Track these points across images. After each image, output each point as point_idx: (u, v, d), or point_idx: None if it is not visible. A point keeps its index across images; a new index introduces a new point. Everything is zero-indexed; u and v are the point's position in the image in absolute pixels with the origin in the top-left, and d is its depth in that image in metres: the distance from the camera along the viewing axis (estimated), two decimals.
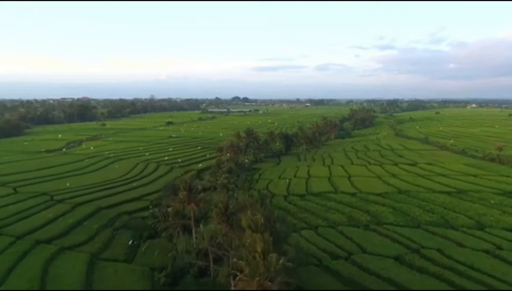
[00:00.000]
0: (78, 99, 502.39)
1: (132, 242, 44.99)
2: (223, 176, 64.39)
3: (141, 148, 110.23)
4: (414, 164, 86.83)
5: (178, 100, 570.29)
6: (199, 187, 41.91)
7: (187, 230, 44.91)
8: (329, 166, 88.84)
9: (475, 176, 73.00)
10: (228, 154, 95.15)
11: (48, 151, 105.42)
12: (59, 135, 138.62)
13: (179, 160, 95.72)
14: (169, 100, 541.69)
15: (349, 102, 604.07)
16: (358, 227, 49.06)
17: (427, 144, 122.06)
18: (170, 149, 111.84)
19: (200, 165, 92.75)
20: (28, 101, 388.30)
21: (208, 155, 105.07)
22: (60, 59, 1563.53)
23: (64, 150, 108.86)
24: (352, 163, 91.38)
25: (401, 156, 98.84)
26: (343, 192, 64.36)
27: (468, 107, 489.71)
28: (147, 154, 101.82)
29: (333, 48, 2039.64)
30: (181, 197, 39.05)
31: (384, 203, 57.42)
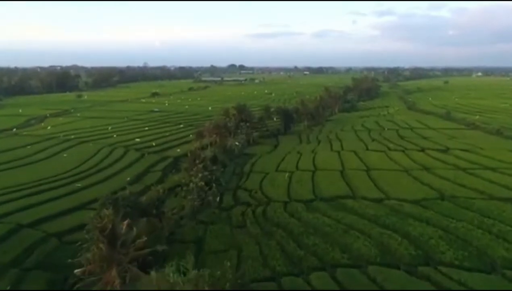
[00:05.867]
0: (67, 67, 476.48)
1: None
2: (200, 175, 46.47)
3: (109, 127, 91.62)
4: (445, 150, 69.20)
5: (172, 68, 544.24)
6: (134, 231, 24.18)
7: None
8: (338, 152, 71.14)
9: None
10: (215, 135, 77.31)
11: None
12: (20, 110, 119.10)
13: (153, 144, 77.63)
14: (162, 68, 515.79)
15: (349, 70, 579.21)
16: (399, 268, 31.88)
17: (450, 122, 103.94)
18: (146, 128, 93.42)
19: (178, 150, 74.90)
20: (9, 69, 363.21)
21: (191, 135, 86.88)
22: (50, 25, 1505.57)
23: (15, 130, 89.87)
24: (367, 148, 73.62)
25: (425, 138, 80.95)
26: (364, 198, 46.82)
27: (474, 75, 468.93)
28: (115, 135, 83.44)
29: (329, 14, 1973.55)
30: (96, 251, 21.56)
31: (428, 218, 39.95)
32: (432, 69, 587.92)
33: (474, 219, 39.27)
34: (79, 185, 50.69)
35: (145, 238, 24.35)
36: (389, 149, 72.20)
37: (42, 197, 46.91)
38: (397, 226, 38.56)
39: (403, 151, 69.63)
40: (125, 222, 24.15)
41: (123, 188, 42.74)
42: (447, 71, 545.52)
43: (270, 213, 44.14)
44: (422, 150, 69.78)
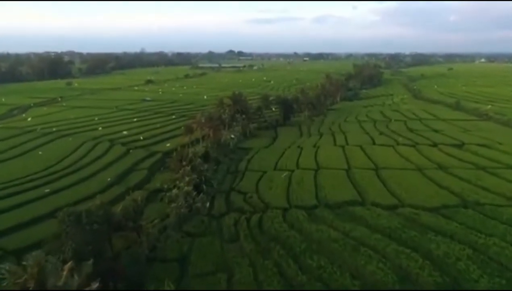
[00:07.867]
0: (62, 52, 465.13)
1: None
2: (187, 178, 40.52)
3: (96, 118, 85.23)
4: (460, 145, 63.27)
5: (170, 54, 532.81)
6: (75, 279, 18.16)
7: None
8: (343, 147, 65.13)
9: None
10: (207, 129, 71.06)
11: None
12: (3, 99, 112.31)
13: (141, 137, 71.45)
14: (159, 54, 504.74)
15: (349, 56, 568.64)
16: None
17: (460, 112, 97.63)
18: (135, 119, 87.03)
19: (168, 144, 68.80)
20: (1, 54, 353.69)
21: (183, 127, 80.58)
22: (46, 10, 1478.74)
23: None
24: (374, 142, 67.61)
25: (436, 131, 74.84)
26: (375, 204, 40.94)
27: (476, 62, 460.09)
28: (100, 127, 77.13)
29: None
30: None
31: (451, 232, 34.14)
32: (433, 55, 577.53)
33: (506, 233, 33.55)
34: (48, 190, 44.45)
35: (96, 285, 18.41)
36: (398, 143, 66.29)
37: (6, 203, 40.99)
38: (416, 242, 32.76)
39: (413, 146, 63.75)
40: (66, 266, 18.28)
41: (92, 197, 36.68)
42: (450, 57, 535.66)
43: (267, 223, 38.27)
44: (435, 145, 63.83)
